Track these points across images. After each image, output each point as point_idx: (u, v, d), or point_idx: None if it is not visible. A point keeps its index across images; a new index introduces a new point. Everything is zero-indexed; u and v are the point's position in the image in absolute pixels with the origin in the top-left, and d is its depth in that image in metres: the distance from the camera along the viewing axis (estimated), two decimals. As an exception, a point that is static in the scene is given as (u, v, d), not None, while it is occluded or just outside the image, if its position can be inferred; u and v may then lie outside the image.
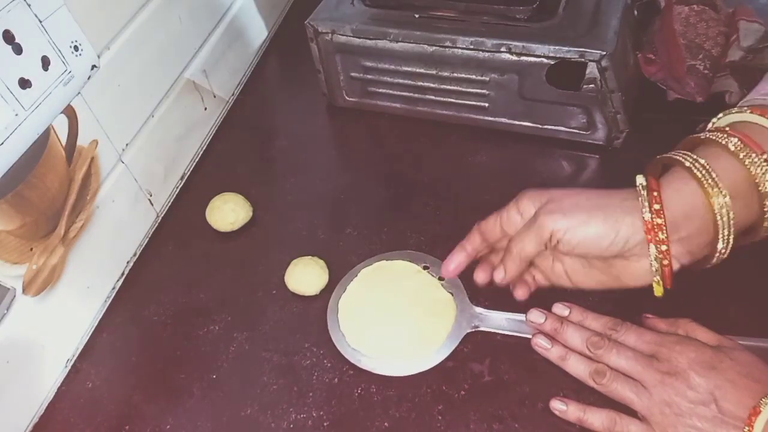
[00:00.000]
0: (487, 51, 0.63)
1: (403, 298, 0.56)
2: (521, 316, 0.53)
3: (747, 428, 0.42)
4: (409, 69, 0.69)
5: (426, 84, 0.69)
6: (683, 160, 0.43)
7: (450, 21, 0.66)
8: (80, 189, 0.55)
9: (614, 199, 0.45)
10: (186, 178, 0.72)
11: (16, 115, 0.45)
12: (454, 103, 0.70)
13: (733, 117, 0.45)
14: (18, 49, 0.44)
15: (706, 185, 0.42)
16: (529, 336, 0.52)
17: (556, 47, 0.60)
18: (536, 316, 0.52)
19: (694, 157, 0.43)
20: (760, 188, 0.41)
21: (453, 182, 0.67)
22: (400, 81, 0.71)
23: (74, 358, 0.57)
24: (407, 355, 0.53)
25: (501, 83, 0.66)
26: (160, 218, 0.67)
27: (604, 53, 0.59)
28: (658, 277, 0.45)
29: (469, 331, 0.54)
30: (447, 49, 0.65)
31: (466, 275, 0.57)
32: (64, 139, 0.52)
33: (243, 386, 0.53)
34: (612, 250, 0.45)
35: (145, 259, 0.65)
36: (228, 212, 0.64)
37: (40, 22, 0.46)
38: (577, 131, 0.67)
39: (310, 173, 0.71)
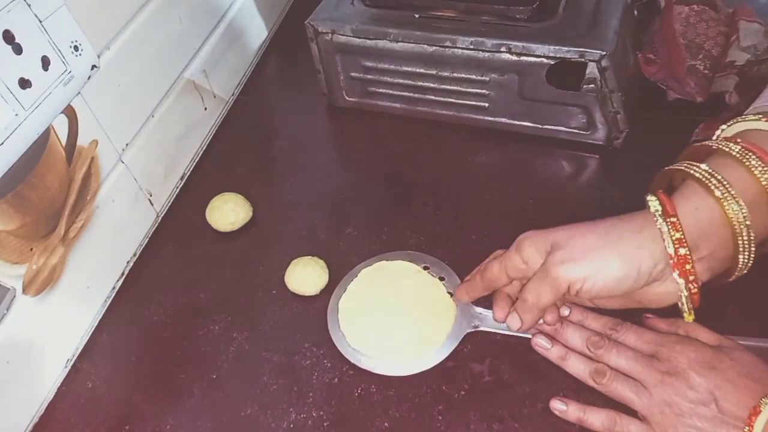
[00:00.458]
0: (487, 51, 0.63)
1: (404, 298, 0.56)
2: (521, 316, 0.53)
3: (747, 428, 0.42)
4: (409, 69, 0.69)
5: (426, 84, 0.69)
6: (695, 173, 0.43)
7: (450, 21, 0.66)
8: (80, 189, 0.55)
9: (627, 231, 0.44)
10: (186, 178, 0.72)
11: (16, 115, 0.45)
12: (454, 103, 0.70)
13: (742, 125, 0.45)
14: (18, 49, 0.44)
15: (723, 200, 0.41)
16: (529, 336, 0.52)
17: (556, 47, 0.60)
18: (536, 316, 0.52)
19: (707, 169, 0.42)
20: None
21: (453, 182, 0.67)
22: (400, 81, 0.71)
23: (74, 358, 0.57)
24: (407, 354, 0.53)
25: (501, 83, 0.66)
26: (160, 218, 0.68)
27: (604, 53, 0.59)
28: (687, 306, 0.44)
29: (469, 330, 0.54)
30: (447, 49, 0.65)
31: (466, 275, 0.57)
32: (64, 139, 0.52)
33: (243, 386, 0.53)
34: (636, 287, 0.44)
35: (145, 259, 0.65)
36: (228, 212, 0.64)
37: (40, 22, 0.46)
38: (577, 131, 0.67)
39: (310, 173, 0.71)
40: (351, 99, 0.75)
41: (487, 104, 0.69)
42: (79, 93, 0.52)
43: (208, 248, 0.65)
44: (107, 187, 0.58)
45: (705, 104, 0.64)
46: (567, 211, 0.63)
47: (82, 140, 0.54)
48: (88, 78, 0.53)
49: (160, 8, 0.62)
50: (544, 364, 0.51)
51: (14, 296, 0.49)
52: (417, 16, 0.67)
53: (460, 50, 0.64)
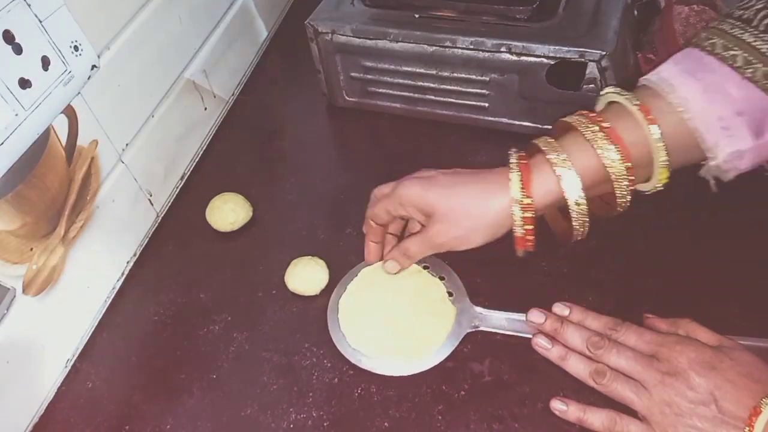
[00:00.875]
0: (487, 51, 0.63)
1: (403, 298, 0.56)
2: (521, 316, 0.53)
3: (747, 428, 0.42)
4: (409, 69, 0.69)
5: (426, 84, 0.69)
6: (546, 150, 0.45)
7: (450, 21, 0.66)
8: (80, 189, 0.55)
9: (496, 197, 0.47)
10: (186, 178, 0.72)
11: (16, 115, 0.45)
12: (454, 103, 0.70)
13: (608, 97, 0.46)
14: (18, 49, 0.44)
15: (561, 178, 0.44)
16: (530, 336, 0.52)
17: (556, 47, 0.60)
18: (536, 316, 0.52)
19: (557, 147, 0.45)
20: (612, 178, 0.44)
21: (453, 182, 0.67)
22: (400, 81, 0.71)
23: (74, 358, 0.57)
24: (407, 355, 0.53)
25: (501, 83, 0.66)
26: (160, 218, 0.68)
27: (604, 53, 0.59)
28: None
29: (469, 330, 0.54)
30: (447, 49, 0.65)
31: (466, 275, 0.57)
32: (64, 139, 0.52)
33: (243, 386, 0.53)
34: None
35: (145, 259, 0.65)
36: (228, 212, 0.64)
37: (40, 22, 0.46)
38: (577, 131, 0.67)
39: (310, 173, 0.71)
40: (351, 99, 0.75)
41: (487, 104, 0.69)
42: (79, 93, 0.52)
43: (208, 248, 0.65)
44: (107, 187, 0.58)
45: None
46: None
47: (82, 140, 0.54)
48: (88, 78, 0.53)
49: (160, 8, 0.62)
50: (544, 364, 0.51)
51: (14, 296, 0.49)
52: (417, 16, 0.67)
53: (460, 50, 0.64)
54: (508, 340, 0.53)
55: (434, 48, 0.65)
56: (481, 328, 0.54)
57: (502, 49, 0.62)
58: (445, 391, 0.51)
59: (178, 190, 0.70)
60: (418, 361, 0.53)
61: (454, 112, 0.71)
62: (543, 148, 0.45)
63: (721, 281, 0.54)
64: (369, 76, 0.71)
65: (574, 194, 0.44)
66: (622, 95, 0.44)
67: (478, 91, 0.67)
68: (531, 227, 0.45)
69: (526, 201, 0.44)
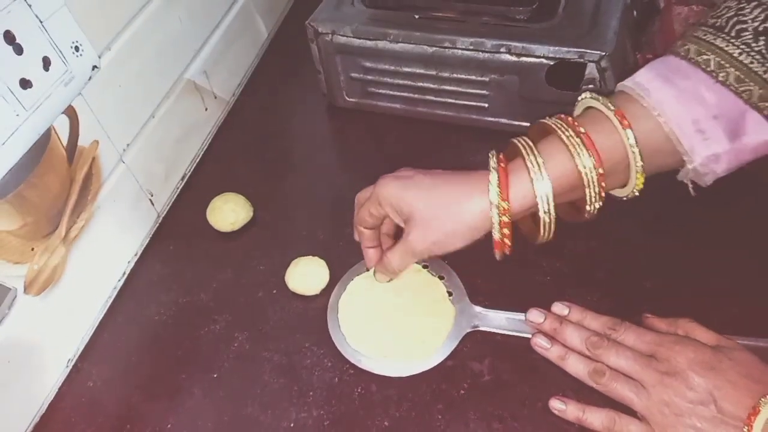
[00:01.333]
0: (487, 52, 0.63)
1: (403, 298, 0.56)
2: (521, 316, 0.53)
3: (746, 428, 0.42)
4: (409, 70, 0.69)
5: (426, 85, 0.69)
6: (521, 147, 0.45)
7: (450, 22, 0.66)
8: (81, 189, 0.55)
9: (472, 203, 0.46)
10: (187, 178, 0.72)
11: (17, 115, 0.45)
12: (454, 104, 0.70)
13: (586, 102, 0.46)
14: (19, 50, 0.45)
15: (534, 180, 0.44)
16: (529, 335, 0.52)
17: (556, 48, 0.60)
18: (536, 315, 0.52)
19: (534, 152, 0.45)
20: (584, 184, 0.44)
21: (453, 182, 0.67)
22: (400, 82, 0.71)
23: (75, 358, 0.57)
24: (407, 354, 0.53)
25: (501, 84, 0.66)
26: (160, 218, 0.68)
27: (604, 54, 0.59)
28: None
29: (468, 330, 0.54)
30: (447, 49, 0.65)
31: (466, 275, 0.57)
32: (65, 140, 0.52)
33: (244, 386, 0.53)
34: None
35: (146, 259, 0.65)
36: (228, 212, 0.64)
37: (41, 22, 0.46)
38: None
39: (310, 173, 0.71)
40: (351, 99, 0.76)
41: (486, 105, 0.69)
42: (79, 93, 0.52)
43: (209, 248, 0.65)
44: (108, 188, 0.58)
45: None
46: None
47: (83, 140, 0.54)
48: (89, 78, 0.53)
49: (160, 9, 0.62)
50: (543, 363, 0.51)
51: (15, 296, 0.49)
52: (417, 16, 0.67)
53: (459, 51, 0.64)
54: (508, 339, 0.53)
55: (434, 49, 0.65)
56: (481, 328, 0.54)
57: (502, 49, 0.62)
58: (444, 390, 0.51)
59: (178, 191, 0.71)
60: (417, 360, 0.53)
61: (454, 112, 0.71)
62: (522, 151, 0.45)
63: (720, 281, 0.54)
64: (369, 77, 0.72)
65: (545, 203, 0.44)
66: (599, 100, 0.44)
67: (478, 91, 0.68)
68: (508, 231, 0.45)
69: (504, 205, 0.44)
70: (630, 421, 0.46)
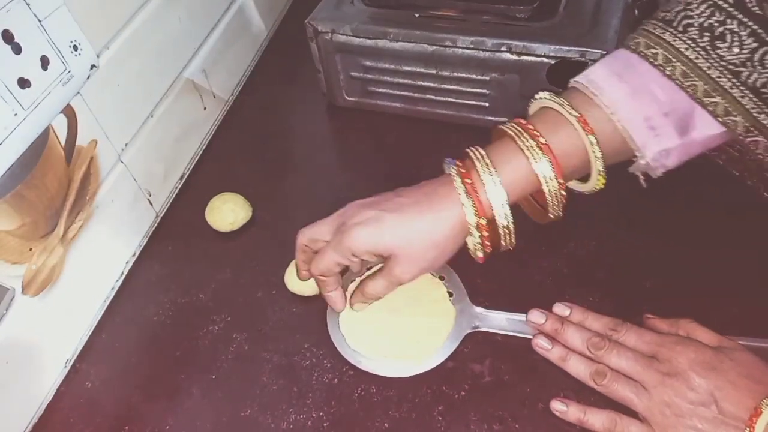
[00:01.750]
0: (488, 50, 0.63)
1: (403, 299, 0.56)
2: (522, 317, 0.53)
3: (748, 429, 0.42)
4: (409, 68, 0.69)
5: (426, 83, 0.69)
6: (474, 160, 0.46)
7: (450, 20, 0.66)
8: (79, 189, 0.55)
9: (447, 227, 0.45)
10: (185, 178, 0.72)
11: (15, 114, 0.45)
12: (455, 103, 0.70)
13: (546, 102, 0.46)
14: (17, 49, 0.44)
15: (485, 183, 0.44)
16: (530, 336, 0.52)
17: (557, 47, 0.60)
18: (537, 316, 0.52)
19: (486, 159, 0.45)
20: (542, 187, 0.44)
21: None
22: (400, 80, 0.70)
23: (73, 358, 0.57)
24: (407, 355, 0.53)
25: (501, 83, 0.65)
26: (159, 218, 0.67)
27: (605, 53, 0.58)
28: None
29: (469, 331, 0.54)
30: (447, 48, 0.65)
31: (466, 275, 0.57)
32: (63, 139, 0.52)
33: (243, 386, 0.53)
34: None
35: (145, 259, 0.64)
36: (227, 212, 0.64)
37: (40, 21, 0.46)
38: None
39: (310, 173, 0.71)
40: (351, 98, 0.75)
41: (487, 104, 0.69)
42: (78, 93, 0.52)
43: (208, 248, 0.64)
44: (106, 187, 0.58)
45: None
46: (566, 211, 0.63)
47: (82, 140, 0.54)
48: (88, 78, 0.52)
49: (159, 8, 0.62)
50: (544, 364, 0.51)
51: (13, 296, 0.49)
52: (417, 15, 0.67)
53: (460, 50, 0.64)
54: (509, 340, 0.53)
55: (434, 47, 0.65)
56: (482, 329, 0.54)
57: (503, 48, 0.62)
58: (445, 391, 0.51)
59: (177, 190, 0.70)
60: (418, 361, 0.52)
61: (455, 111, 0.71)
62: (476, 164, 0.45)
63: (721, 281, 0.54)
64: (369, 76, 0.71)
65: (501, 214, 0.45)
66: (561, 105, 0.44)
67: (479, 90, 0.67)
68: (487, 234, 0.45)
69: (482, 222, 0.44)
70: (631, 422, 0.46)
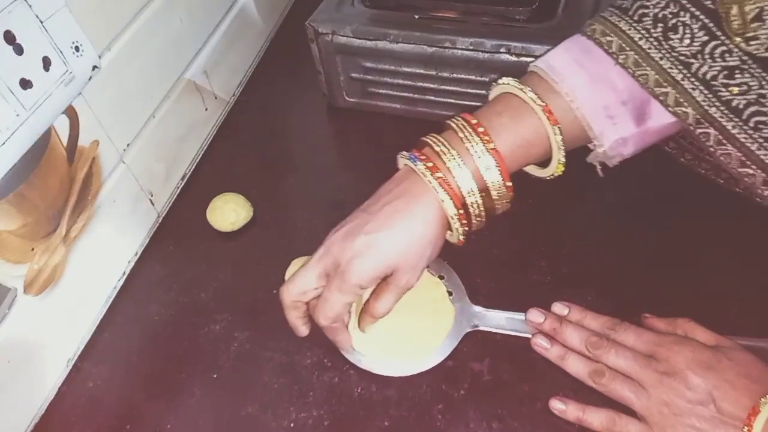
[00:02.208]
0: (487, 52, 0.63)
1: (403, 298, 0.56)
2: (521, 316, 0.53)
3: (746, 428, 0.42)
4: (409, 70, 0.69)
5: (426, 85, 0.70)
6: (437, 150, 0.45)
7: (450, 22, 0.66)
8: (81, 189, 0.55)
9: (429, 223, 0.45)
10: (187, 178, 0.72)
11: (18, 115, 0.45)
12: (454, 104, 0.70)
13: (509, 89, 0.46)
14: (19, 50, 0.45)
15: (451, 168, 0.44)
16: (529, 335, 0.52)
17: (556, 48, 0.60)
18: (535, 315, 0.52)
19: (451, 150, 0.45)
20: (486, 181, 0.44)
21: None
22: (400, 82, 0.71)
23: (75, 358, 0.57)
24: (407, 354, 0.53)
25: (501, 84, 0.66)
26: (161, 218, 0.68)
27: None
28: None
29: (468, 330, 0.54)
30: (447, 50, 0.65)
31: (466, 274, 0.57)
32: (65, 140, 0.52)
33: (244, 385, 0.53)
34: None
35: (146, 258, 0.65)
36: (229, 212, 0.64)
37: (41, 22, 0.46)
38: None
39: (310, 173, 0.71)
40: (351, 99, 0.76)
41: (487, 105, 0.69)
42: (80, 93, 0.53)
43: (209, 248, 0.65)
44: (108, 188, 0.58)
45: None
46: (566, 211, 0.63)
47: (84, 140, 0.54)
48: (89, 78, 0.53)
49: (161, 9, 0.62)
50: (543, 363, 0.51)
51: (15, 296, 0.49)
52: (417, 17, 0.67)
53: (459, 51, 0.64)
54: (508, 339, 0.53)
55: (434, 49, 0.65)
56: (481, 328, 0.54)
57: (502, 50, 0.62)
58: (444, 390, 0.51)
59: (179, 190, 0.71)
60: (417, 360, 0.53)
61: (454, 112, 0.71)
62: (441, 156, 0.45)
63: (720, 281, 0.54)
64: (369, 77, 0.72)
65: (470, 196, 0.45)
66: (524, 91, 0.44)
67: (478, 91, 0.68)
68: (466, 227, 0.46)
69: (461, 212, 0.44)
70: (629, 421, 0.46)
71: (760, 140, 0.39)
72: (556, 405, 0.48)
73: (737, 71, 0.39)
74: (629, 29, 0.42)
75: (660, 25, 0.41)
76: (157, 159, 0.66)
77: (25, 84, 0.45)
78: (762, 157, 0.40)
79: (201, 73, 0.72)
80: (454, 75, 0.67)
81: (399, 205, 0.45)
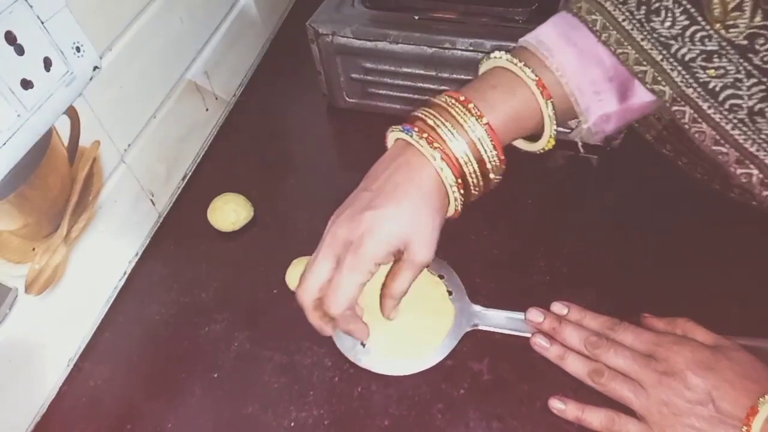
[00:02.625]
0: (487, 52, 0.63)
1: (403, 297, 0.56)
2: (520, 315, 0.54)
3: (745, 428, 0.42)
4: (409, 70, 0.69)
5: (426, 85, 0.70)
6: (425, 118, 0.45)
7: (449, 23, 0.66)
8: (82, 189, 0.55)
9: (433, 195, 0.45)
10: (187, 178, 0.72)
11: (19, 115, 0.45)
12: (454, 104, 0.70)
13: (502, 63, 0.46)
14: (20, 50, 0.45)
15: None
16: (528, 335, 0.52)
17: (555, 48, 0.60)
18: (535, 315, 0.52)
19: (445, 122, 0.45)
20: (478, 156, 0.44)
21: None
22: (400, 82, 0.71)
23: (76, 358, 0.57)
24: (407, 353, 0.53)
25: (500, 84, 0.66)
26: (161, 218, 0.68)
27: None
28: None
29: (468, 329, 0.54)
30: (446, 50, 0.65)
31: (465, 274, 0.58)
32: (66, 140, 0.52)
33: (244, 385, 0.54)
34: None
35: (147, 258, 0.65)
36: (229, 212, 0.64)
37: (42, 23, 0.46)
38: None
39: (310, 173, 0.72)
40: (351, 100, 0.76)
41: (486, 105, 0.69)
42: (81, 94, 0.53)
43: (210, 248, 0.65)
44: (109, 188, 0.59)
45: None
46: (565, 211, 0.63)
47: (84, 141, 0.54)
48: (90, 79, 0.53)
49: (161, 10, 0.63)
50: (542, 363, 0.51)
51: (17, 296, 0.49)
52: (417, 17, 0.67)
53: (459, 52, 0.64)
54: (507, 339, 0.53)
55: (434, 49, 0.65)
56: (481, 327, 0.54)
57: (502, 50, 0.62)
58: (444, 389, 0.51)
59: (179, 191, 0.71)
60: (417, 359, 0.53)
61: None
62: (437, 129, 0.45)
63: (719, 281, 0.54)
64: (369, 78, 0.72)
65: (467, 164, 0.45)
66: (517, 65, 0.45)
67: (478, 91, 0.68)
68: (462, 197, 0.46)
69: (459, 181, 0.45)
70: (629, 421, 0.46)
71: (735, 121, 0.40)
72: (556, 404, 0.48)
73: (715, 55, 0.40)
74: (614, 10, 0.43)
75: (643, 7, 0.42)
76: (158, 159, 0.66)
77: (26, 84, 0.45)
78: (736, 137, 0.40)
79: (202, 73, 0.72)
80: (454, 75, 0.67)
81: (399, 179, 0.45)
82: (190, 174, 0.72)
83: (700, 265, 0.56)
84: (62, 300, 0.54)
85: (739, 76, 0.40)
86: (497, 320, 0.54)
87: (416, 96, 0.71)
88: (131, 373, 0.56)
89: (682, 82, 0.41)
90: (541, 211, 0.63)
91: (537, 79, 0.44)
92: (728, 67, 0.40)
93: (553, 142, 0.47)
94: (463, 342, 0.53)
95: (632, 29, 0.42)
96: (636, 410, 0.46)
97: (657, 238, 0.59)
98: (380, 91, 0.73)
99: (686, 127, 0.42)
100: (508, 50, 0.46)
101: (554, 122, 0.45)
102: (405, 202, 0.44)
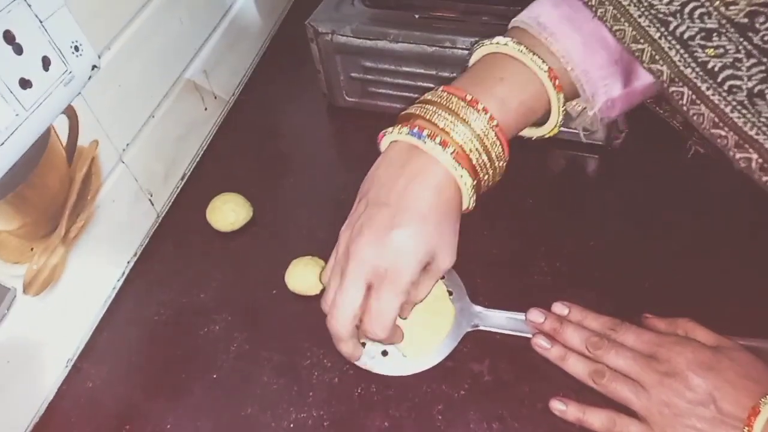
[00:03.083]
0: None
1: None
2: (521, 316, 0.53)
3: (746, 428, 0.42)
4: (409, 69, 0.69)
5: (426, 84, 0.69)
6: (422, 115, 0.45)
7: (450, 21, 0.66)
8: (81, 189, 0.55)
9: (449, 199, 0.44)
10: (186, 178, 0.72)
11: (17, 115, 0.45)
12: (454, 104, 0.70)
13: (486, 49, 0.46)
14: (18, 50, 0.45)
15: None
16: (529, 335, 0.52)
17: (556, 47, 0.60)
18: (536, 315, 0.52)
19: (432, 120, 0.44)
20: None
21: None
22: (400, 81, 0.71)
23: (75, 358, 0.57)
24: (407, 354, 0.53)
25: (501, 83, 0.66)
26: (160, 218, 0.68)
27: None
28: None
29: (468, 330, 0.54)
30: (447, 49, 0.65)
31: (466, 274, 0.57)
32: (64, 140, 0.52)
33: (243, 386, 0.53)
34: None
35: (146, 258, 0.65)
36: (228, 212, 0.64)
37: (41, 22, 0.46)
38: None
39: (310, 173, 0.71)
40: (351, 99, 0.76)
41: (487, 104, 0.69)
42: (79, 93, 0.52)
43: (209, 248, 0.65)
44: (108, 187, 0.58)
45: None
46: (566, 211, 0.63)
47: (83, 140, 0.54)
48: (89, 78, 0.53)
49: (160, 9, 0.62)
50: (543, 364, 0.51)
51: (15, 296, 0.49)
52: (417, 16, 0.67)
53: (459, 51, 0.64)
54: (508, 339, 0.53)
55: (434, 48, 0.65)
56: (481, 328, 0.54)
57: (502, 49, 0.62)
58: (444, 390, 0.51)
59: (178, 190, 0.71)
60: (417, 360, 0.53)
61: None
62: (447, 130, 0.44)
63: (720, 281, 0.54)
64: (369, 77, 0.72)
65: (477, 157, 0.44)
66: (527, 55, 0.44)
67: (478, 91, 0.67)
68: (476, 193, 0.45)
69: (474, 182, 0.44)
70: (630, 422, 0.46)
71: (734, 103, 0.39)
72: (557, 405, 0.48)
73: (715, 34, 0.39)
74: None
75: None
76: (157, 159, 0.66)
77: (25, 84, 0.45)
78: (735, 119, 0.39)
79: (200, 72, 0.72)
80: (454, 75, 0.67)
81: (418, 189, 0.43)
82: (188, 174, 0.72)
83: (701, 265, 0.56)
84: (60, 300, 0.54)
85: (739, 55, 0.39)
86: (498, 321, 0.54)
87: (416, 95, 0.71)
88: (130, 374, 0.56)
89: (680, 61, 0.40)
90: (542, 211, 0.63)
91: (548, 69, 0.43)
92: (728, 47, 0.39)
93: (557, 130, 0.46)
94: (463, 342, 0.53)
95: (629, 4, 0.41)
96: (637, 411, 0.46)
97: (658, 239, 0.59)
98: (380, 90, 0.73)
99: (684, 109, 0.41)
100: (505, 34, 0.45)
101: (562, 113, 0.45)
102: (430, 216, 0.43)
